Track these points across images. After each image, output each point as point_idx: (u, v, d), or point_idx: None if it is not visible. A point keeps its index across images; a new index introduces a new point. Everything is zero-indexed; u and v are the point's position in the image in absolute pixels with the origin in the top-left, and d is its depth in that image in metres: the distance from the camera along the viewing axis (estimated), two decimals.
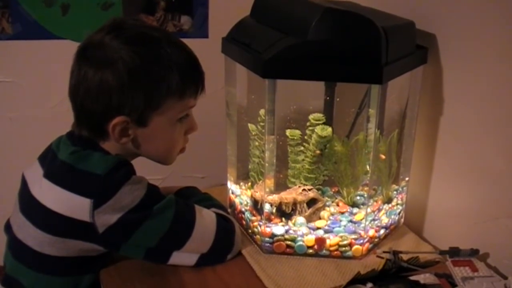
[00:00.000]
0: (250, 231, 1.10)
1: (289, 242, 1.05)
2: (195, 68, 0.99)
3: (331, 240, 1.04)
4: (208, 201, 1.08)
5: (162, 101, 0.94)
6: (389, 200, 1.14)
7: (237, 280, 0.99)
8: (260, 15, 1.07)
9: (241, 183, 1.20)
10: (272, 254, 1.05)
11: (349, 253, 1.05)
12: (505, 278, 0.91)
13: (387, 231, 1.12)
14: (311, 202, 1.08)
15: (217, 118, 1.29)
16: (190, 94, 0.98)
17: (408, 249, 1.03)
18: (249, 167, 1.18)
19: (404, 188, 1.17)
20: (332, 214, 1.10)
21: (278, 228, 1.05)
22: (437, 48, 1.08)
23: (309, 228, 1.06)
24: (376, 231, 1.08)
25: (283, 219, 1.07)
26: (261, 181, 1.09)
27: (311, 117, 1.09)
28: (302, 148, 1.11)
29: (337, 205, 1.13)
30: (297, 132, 1.10)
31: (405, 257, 0.94)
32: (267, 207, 1.05)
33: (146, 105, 0.93)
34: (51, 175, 0.95)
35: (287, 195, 1.07)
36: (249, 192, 1.14)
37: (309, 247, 1.05)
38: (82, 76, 0.92)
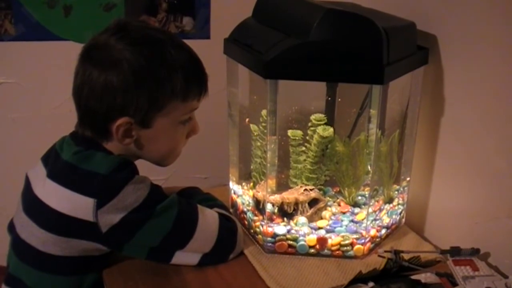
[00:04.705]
0: (252, 231, 1.10)
1: (291, 242, 1.05)
2: (199, 71, 0.99)
3: (333, 239, 1.05)
4: (211, 201, 1.09)
5: (166, 102, 0.95)
6: (390, 200, 1.14)
7: (239, 280, 0.99)
8: (262, 16, 1.08)
9: (243, 183, 1.20)
10: (274, 253, 1.05)
11: (351, 252, 1.05)
12: (506, 277, 0.91)
13: (389, 230, 1.13)
14: (313, 202, 1.08)
15: (219, 119, 1.29)
16: (194, 96, 0.98)
17: (409, 248, 1.03)
18: (251, 167, 1.18)
19: (405, 188, 1.17)
20: (333, 214, 1.10)
21: (280, 228, 1.06)
22: (438, 49, 1.08)
23: (311, 228, 1.06)
24: (377, 231, 1.08)
25: (285, 219, 1.07)
26: (263, 181, 1.09)
27: (312, 117, 1.09)
28: (303, 148, 1.11)
29: (339, 205, 1.13)
30: (299, 132, 1.10)
31: (406, 256, 0.94)
32: (269, 207, 1.06)
33: (150, 106, 0.94)
34: (54, 175, 0.95)
35: (289, 195, 1.07)
36: (251, 192, 1.14)
37: (311, 247, 1.05)
38: (87, 77, 0.93)
